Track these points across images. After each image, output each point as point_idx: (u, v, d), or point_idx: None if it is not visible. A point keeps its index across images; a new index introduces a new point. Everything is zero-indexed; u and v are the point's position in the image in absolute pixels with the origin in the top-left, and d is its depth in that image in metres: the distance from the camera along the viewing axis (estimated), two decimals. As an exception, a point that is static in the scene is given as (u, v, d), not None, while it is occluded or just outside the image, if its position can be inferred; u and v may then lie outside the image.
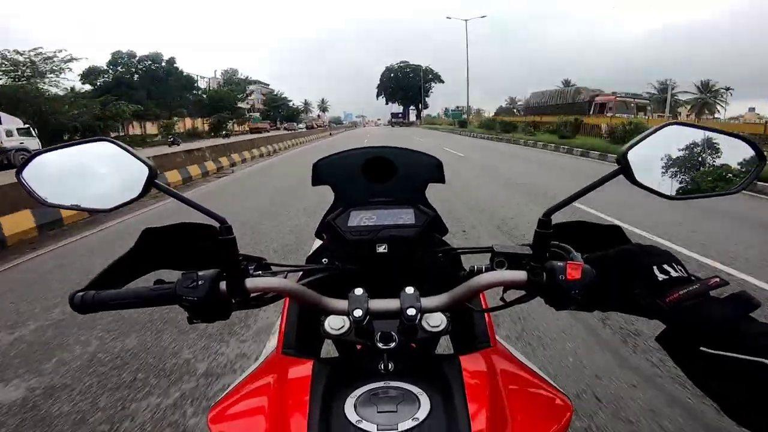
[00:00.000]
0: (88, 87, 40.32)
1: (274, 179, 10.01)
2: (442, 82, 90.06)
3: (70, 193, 0.60)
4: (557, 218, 0.59)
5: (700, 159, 0.59)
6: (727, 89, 60.17)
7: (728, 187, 0.58)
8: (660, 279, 0.52)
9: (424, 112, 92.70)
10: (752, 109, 74.84)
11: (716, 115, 55.66)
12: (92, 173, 0.61)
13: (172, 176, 9.67)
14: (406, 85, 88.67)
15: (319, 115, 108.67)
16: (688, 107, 59.14)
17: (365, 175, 0.80)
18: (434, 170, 0.81)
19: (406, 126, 75.27)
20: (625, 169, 0.54)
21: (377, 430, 0.48)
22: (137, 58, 45.26)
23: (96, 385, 2.13)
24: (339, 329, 0.57)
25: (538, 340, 2.44)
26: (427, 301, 0.58)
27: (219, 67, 68.46)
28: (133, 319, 2.79)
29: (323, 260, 0.78)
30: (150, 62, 45.89)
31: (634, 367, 2.18)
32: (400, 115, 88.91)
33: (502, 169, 10.62)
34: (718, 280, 0.49)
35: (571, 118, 21.47)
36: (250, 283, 0.58)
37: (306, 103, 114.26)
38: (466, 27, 42.02)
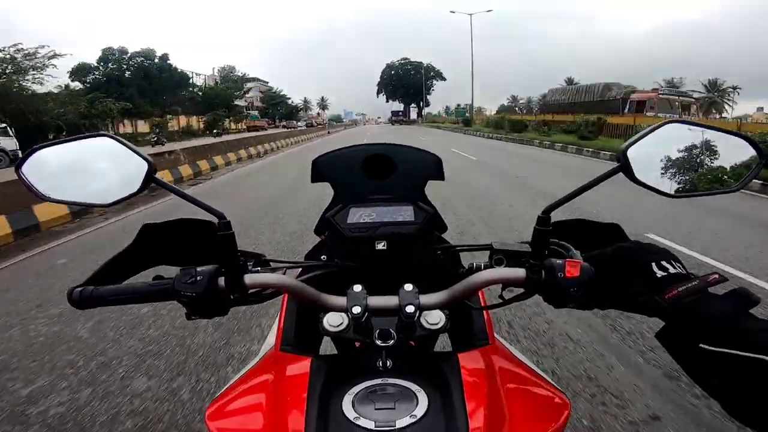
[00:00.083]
0: (78, 84, 38.44)
1: (255, 189, 8.42)
2: (444, 79, 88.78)
3: (70, 188, 0.61)
4: (556, 216, 0.59)
5: (700, 157, 0.59)
6: (735, 88, 58.29)
7: (728, 185, 0.58)
8: (659, 276, 0.52)
9: (425, 110, 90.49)
10: (761, 109, 72.98)
11: (723, 114, 53.77)
12: (91, 168, 0.62)
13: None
14: (407, 83, 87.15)
15: (318, 113, 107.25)
16: (695, 106, 57.43)
17: (365, 172, 0.80)
18: (434, 167, 0.82)
19: (406, 124, 73.74)
20: (624, 166, 0.54)
21: (375, 427, 0.48)
22: (129, 54, 43.23)
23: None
24: (337, 326, 0.57)
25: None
26: (425, 299, 0.58)
27: (218, 65, 67.00)
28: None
29: (322, 257, 0.78)
30: (142, 59, 44.10)
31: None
32: (400, 113, 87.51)
33: (532, 180, 8.35)
34: (717, 276, 0.49)
35: (592, 117, 19.45)
36: (249, 279, 0.59)
37: (306, 101, 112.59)
38: (471, 21, 40.30)
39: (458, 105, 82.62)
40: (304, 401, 0.52)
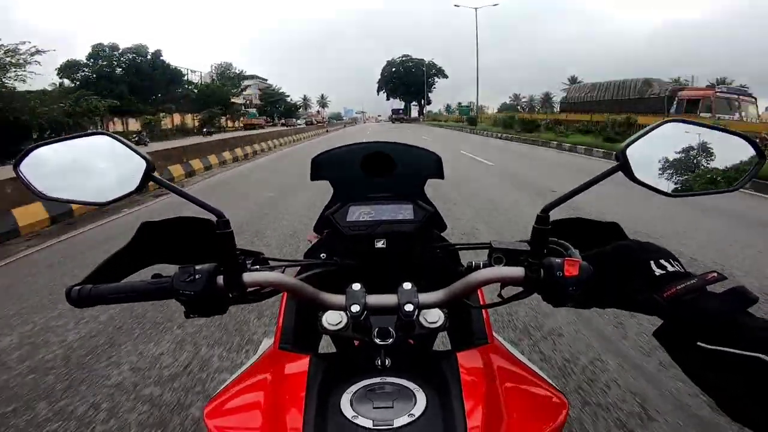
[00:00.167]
0: (67, 82, 36.74)
1: (235, 201, 6.80)
2: (446, 77, 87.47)
3: (68, 187, 0.61)
4: (554, 215, 0.59)
5: (699, 156, 0.59)
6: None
7: (727, 185, 0.59)
8: (657, 274, 0.52)
9: (426, 108, 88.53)
10: (768, 109, 70.91)
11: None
12: (90, 167, 0.62)
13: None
14: (408, 80, 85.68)
15: (318, 111, 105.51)
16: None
17: (364, 170, 0.81)
18: (433, 166, 0.82)
19: (407, 122, 71.72)
20: (624, 165, 0.55)
21: (373, 425, 0.48)
22: (120, 51, 41.40)
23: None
24: (336, 325, 0.57)
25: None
26: (424, 297, 0.58)
27: (216, 62, 65.18)
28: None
29: (321, 255, 0.78)
30: (134, 55, 42.18)
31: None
32: (401, 112, 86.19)
33: (580, 200, 6.66)
34: (715, 274, 0.49)
35: (620, 116, 17.41)
36: (248, 277, 0.59)
37: (305, 99, 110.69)
38: (476, 15, 38.31)
39: (460, 103, 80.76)
40: (302, 400, 0.52)
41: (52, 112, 22.56)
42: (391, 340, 0.58)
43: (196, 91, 48.76)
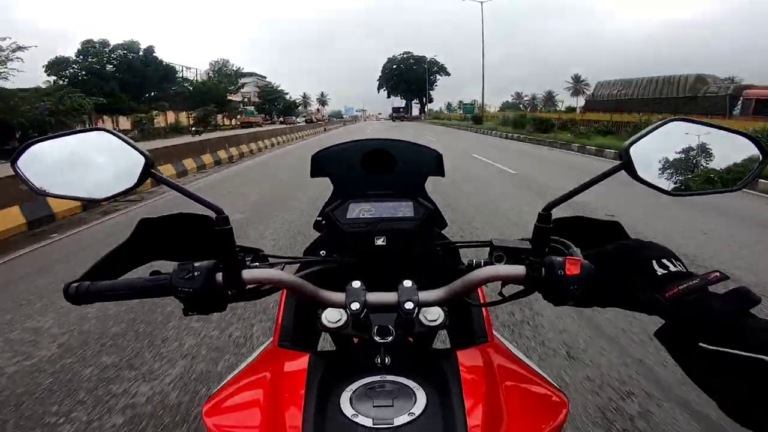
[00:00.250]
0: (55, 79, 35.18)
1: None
2: (448, 74, 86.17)
3: (66, 183, 0.61)
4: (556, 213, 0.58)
5: (702, 155, 0.59)
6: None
7: (730, 184, 0.58)
8: (659, 274, 0.52)
9: (428, 106, 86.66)
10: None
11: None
12: (88, 163, 0.62)
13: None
14: (409, 78, 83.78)
15: (318, 109, 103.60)
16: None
17: (364, 167, 0.80)
18: (434, 163, 0.82)
19: (408, 120, 69.76)
20: (627, 164, 0.55)
21: (373, 424, 0.48)
22: (110, 47, 39.66)
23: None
24: (336, 322, 0.57)
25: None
26: (424, 295, 0.58)
27: (214, 60, 63.54)
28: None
29: (321, 253, 0.78)
30: (125, 51, 40.36)
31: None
32: (401, 110, 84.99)
33: (644, 220, 4.89)
34: (718, 274, 0.49)
35: (653, 116, 15.40)
36: (247, 274, 0.59)
37: (305, 97, 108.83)
38: (482, 9, 36.66)
39: (461, 101, 79.02)
40: (301, 398, 0.52)
41: (35, 110, 21.72)
42: (390, 338, 0.58)
43: (191, 88, 47.01)
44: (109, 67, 40.24)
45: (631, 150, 0.55)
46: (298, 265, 0.77)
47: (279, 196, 6.96)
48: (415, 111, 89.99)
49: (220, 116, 48.53)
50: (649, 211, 5.19)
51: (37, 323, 2.77)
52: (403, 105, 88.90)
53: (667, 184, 0.58)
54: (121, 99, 36.51)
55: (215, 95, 47.23)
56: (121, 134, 0.59)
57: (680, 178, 0.59)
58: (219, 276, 0.57)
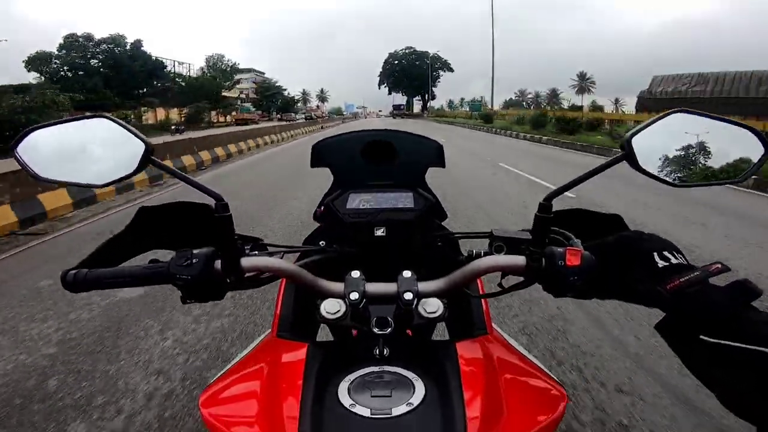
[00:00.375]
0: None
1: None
2: (452, 70, 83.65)
3: (65, 169, 0.61)
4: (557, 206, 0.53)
5: (704, 147, 0.59)
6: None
7: (732, 176, 0.59)
8: (660, 266, 0.51)
9: (429, 104, 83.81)
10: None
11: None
12: (88, 149, 0.62)
13: None
14: (411, 74, 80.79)
15: (318, 106, 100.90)
16: None
17: (365, 158, 0.80)
18: (434, 154, 0.81)
19: (410, 118, 67.13)
20: (629, 155, 0.55)
21: (371, 414, 0.48)
22: (95, 41, 36.98)
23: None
24: (335, 313, 0.57)
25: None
26: (424, 286, 0.58)
27: (209, 55, 60.89)
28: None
29: (320, 243, 0.78)
30: (111, 46, 37.51)
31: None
32: (402, 107, 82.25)
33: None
34: (719, 266, 0.49)
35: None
36: (246, 262, 0.58)
37: (304, 93, 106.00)
38: (492, 4, 34.21)
39: (462, 98, 76.40)
40: (299, 388, 0.52)
41: (4, 109, 20.16)
42: (389, 329, 0.57)
43: (183, 84, 44.28)
44: (93, 61, 38.27)
45: (633, 141, 0.55)
46: (298, 254, 0.77)
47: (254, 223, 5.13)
48: (417, 108, 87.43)
49: (214, 113, 45.94)
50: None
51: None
52: (405, 102, 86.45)
53: (669, 176, 0.58)
54: (105, 95, 34.26)
55: (209, 91, 44.93)
56: (121, 121, 0.59)
57: (681, 169, 0.59)
58: (218, 263, 0.57)
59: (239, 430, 0.51)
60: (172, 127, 29.97)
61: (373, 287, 0.57)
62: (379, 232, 0.72)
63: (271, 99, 70.31)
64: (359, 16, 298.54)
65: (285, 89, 76.18)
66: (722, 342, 0.44)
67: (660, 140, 0.57)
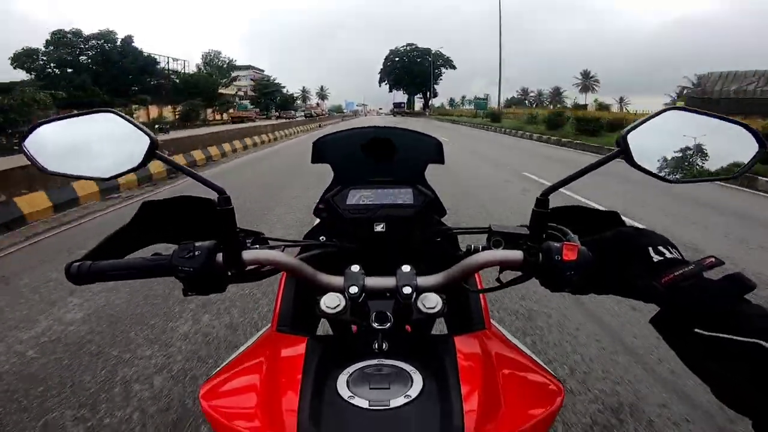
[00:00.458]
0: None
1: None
2: (454, 68, 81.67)
3: (71, 162, 0.62)
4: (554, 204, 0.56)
5: (700, 144, 0.59)
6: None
7: (726, 173, 0.59)
8: (655, 260, 0.52)
9: (431, 101, 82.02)
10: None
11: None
12: (94, 143, 0.63)
13: None
14: (412, 71, 79.10)
15: (318, 104, 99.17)
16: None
17: (365, 154, 0.80)
18: (434, 150, 0.82)
19: (411, 116, 65.25)
20: (624, 151, 0.56)
21: (369, 406, 0.49)
22: (84, 37, 35.31)
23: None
24: (335, 308, 0.57)
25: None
26: (423, 280, 0.59)
27: (205, 51, 59.32)
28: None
29: (321, 238, 0.79)
30: (101, 41, 35.74)
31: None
32: (402, 105, 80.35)
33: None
34: (713, 260, 0.49)
35: None
36: (247, 255, 0.59)
37: (304, 91, 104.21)
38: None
39: (463, 96, 74.71)
40: (298, 381, 0.53)
41: None
42: (389, 324, 0.58)
43: (177, 81, 42.54)
44: (82, 58, 36.99)
45: (629, 137, 0.56)
46: (299, 249, 0.78)
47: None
48: (418, 106, 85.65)
49: (210, 110, 44.24)
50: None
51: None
52: (405, 100, 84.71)
53: (664, 172, 0.59)
54: (94, 92, 32.76)
55: (205, 88, 43.78)
56: (127, 116, 0.60)
57: (677, 165, 0.59)
58: (219, 256, 0.58)
59: (239, 422, 0.51)
60: (156, 126, 27.66)
61: (373, 281, 0.58)
62: (379, 227, 0.73)
63: (269, 96, 68.76)
64: (360, 14, 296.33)
65: (284, 87, 74.75)
66: (717, 335, 0.45)
67: (655, 137, 0.58)
